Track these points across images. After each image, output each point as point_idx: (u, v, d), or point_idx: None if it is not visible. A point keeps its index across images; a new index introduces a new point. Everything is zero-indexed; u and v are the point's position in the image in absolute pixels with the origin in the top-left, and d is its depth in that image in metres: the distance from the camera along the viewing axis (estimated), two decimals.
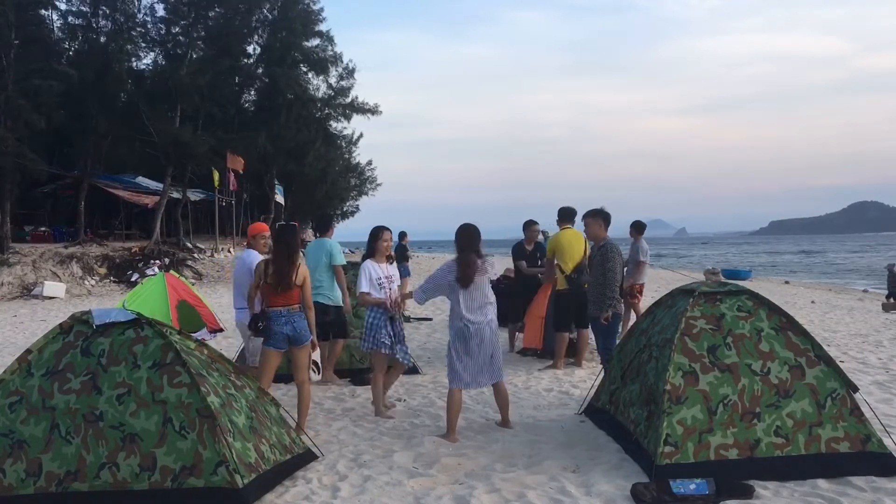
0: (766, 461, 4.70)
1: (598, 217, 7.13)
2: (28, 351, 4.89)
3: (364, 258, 6.87)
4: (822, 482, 4.60)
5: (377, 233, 6.79)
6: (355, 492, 4.75)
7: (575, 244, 8.52)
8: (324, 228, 8.39)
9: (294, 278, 5.89)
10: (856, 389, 4.98)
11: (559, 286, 8.46)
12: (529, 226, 9.93)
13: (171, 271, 17.15)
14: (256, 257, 6.58)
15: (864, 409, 4.98)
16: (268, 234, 6.94)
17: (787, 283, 32.36)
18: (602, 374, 6.57)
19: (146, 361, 4.68)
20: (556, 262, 8.59)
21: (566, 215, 8.89)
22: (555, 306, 8.69)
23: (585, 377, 8.08)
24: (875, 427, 4.94)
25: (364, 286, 6.51)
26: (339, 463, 5.35)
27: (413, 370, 8.66)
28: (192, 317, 12.43)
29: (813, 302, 18.86)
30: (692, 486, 4.43)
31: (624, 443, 5.45)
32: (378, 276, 6.56)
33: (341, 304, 7.93)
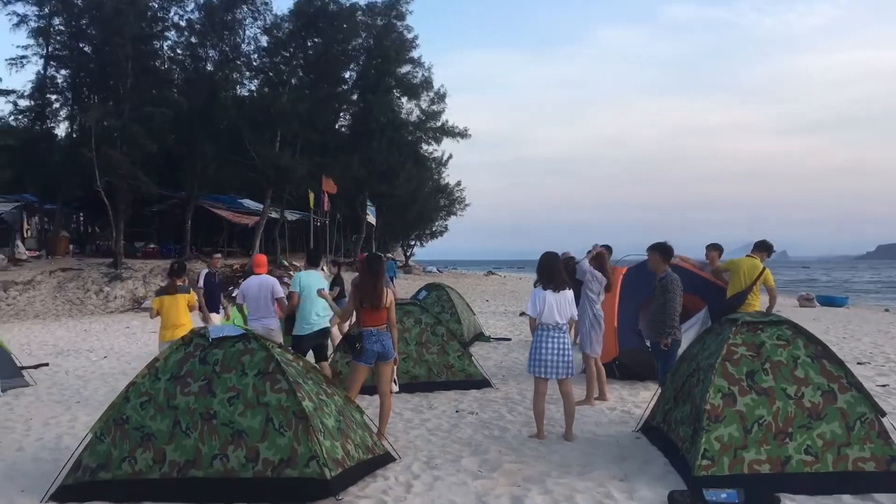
0: (795, 476, 5.17)
1: (655, 251, 7.72)
2: (156, 359, 5.83)
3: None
4: (847, 497, 5.04)
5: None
6: (426, 489, 5.48)
7: (743, 274, 9.10)
8: (315, 263, 9.57)
9: (384, 301, 6.70)
10: (884, 414, 5.38)
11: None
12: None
13: None
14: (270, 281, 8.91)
15: (893, 432, 5.37)
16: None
17: (886, 311, 31.20)
18: (658, 393, 7.09)
19: (252, 370, 5.54)
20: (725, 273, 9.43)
21: (758, 246, 9.50)
22: (713, 317, 9.24)
23: (649, 398, 8.56)
24: None
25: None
26: (414, 465, 6.09)
27: (486, 384, 9.40)
28: None
29: None
30: (723, 496, 4.95)
31: (672, 457, 5.97)
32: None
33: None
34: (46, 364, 12.56)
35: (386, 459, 6.11)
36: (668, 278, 7.55)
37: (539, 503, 5.16)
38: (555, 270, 6.99)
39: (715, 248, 10.25)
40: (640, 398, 8.66)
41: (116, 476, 5.37)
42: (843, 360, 5.63)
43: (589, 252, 8.87)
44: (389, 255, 27.17)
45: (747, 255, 9.37)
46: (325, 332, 8.83)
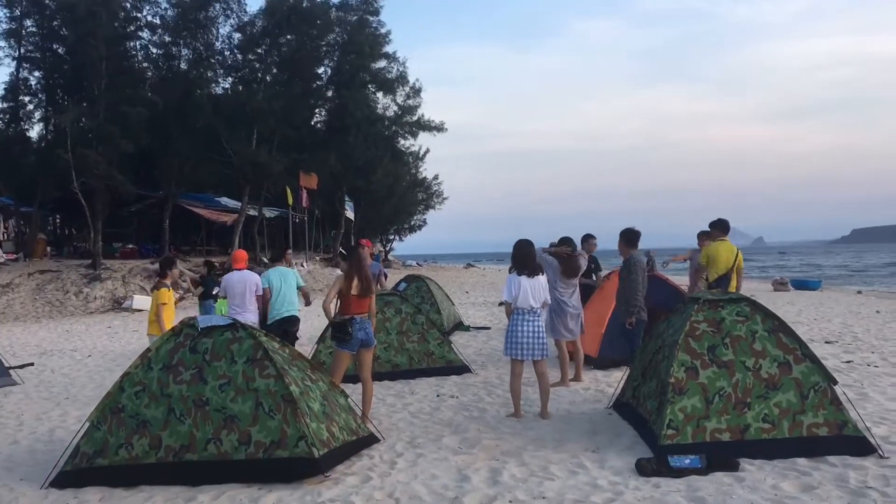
0: (754, 443, 5.54)
1: (620, 238, 8.12)
2: (148, 350, 6.08)
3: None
4: (802, 460, 5.41)
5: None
6: (409, 465, 5.80)
7: (723, 257, 9.19)
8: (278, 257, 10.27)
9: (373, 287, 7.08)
10: (836, 383, 5.77)
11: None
12: (588, 239, 10.76)
13: None
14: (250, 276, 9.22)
15: (844, 400, 5.76)
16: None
17: (859, 292, 31.83)
18: (628, 371, 7.46)
19: (241, 357, 5.82)
20: (705, 272, 9.30)
21: (720, 227, 9.51)
22: None
23: (622, 378, 8.94)
24: (853, 415, 5.72)
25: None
26: (398, 444, 6.41)
27: (466, 370, 9.74)
28: None
29: (878, 312, 18.90)
30: (686, 461, 5.31)
31: (640, 429, 6.33)
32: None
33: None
34: (32, 364, 12.72)
35: (370, 440, 6.41)
36: (632, 259, 7.94)
37: (516, 474, 5.48)
38: (528, 258, 7.32)
39: (708, 236, 10.44)
40: (613, 378, 8.99)
41: (113, 462, 5.63)
42: (811, 340, 6.01)
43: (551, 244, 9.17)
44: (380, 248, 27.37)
45: (720, 241, 9.58)
46: (290, 320, 9.17)
